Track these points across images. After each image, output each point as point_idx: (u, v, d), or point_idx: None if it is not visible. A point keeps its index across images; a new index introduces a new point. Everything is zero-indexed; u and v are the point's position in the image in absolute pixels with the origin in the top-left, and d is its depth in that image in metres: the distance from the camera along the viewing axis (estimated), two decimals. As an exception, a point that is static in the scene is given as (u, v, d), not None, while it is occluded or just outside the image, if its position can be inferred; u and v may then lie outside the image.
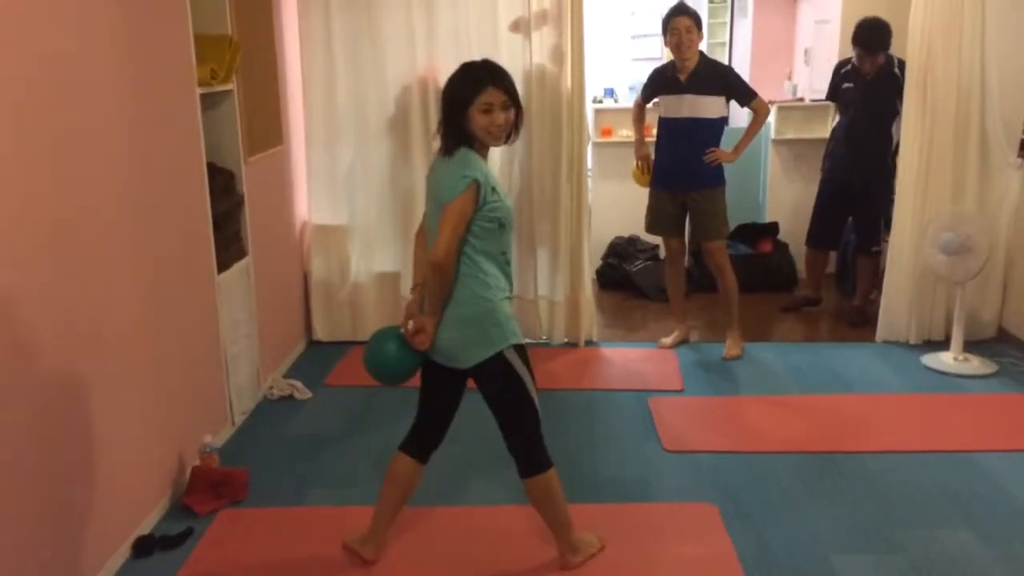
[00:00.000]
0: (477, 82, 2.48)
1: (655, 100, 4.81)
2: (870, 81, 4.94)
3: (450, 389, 2.71)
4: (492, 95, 2.47)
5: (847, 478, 3.39)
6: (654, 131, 4.84)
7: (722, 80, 4.59)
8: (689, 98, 4.53)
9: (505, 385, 2.59)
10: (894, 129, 4.91)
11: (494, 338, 2.56)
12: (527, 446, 2.64)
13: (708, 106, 4.55)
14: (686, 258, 4.97)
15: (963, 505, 3.18)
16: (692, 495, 3.29)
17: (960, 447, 3.62)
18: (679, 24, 4.46)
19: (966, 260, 4.39)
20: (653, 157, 4.78)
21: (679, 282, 4.94)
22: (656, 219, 4.80)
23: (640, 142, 4.85)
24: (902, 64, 4.76)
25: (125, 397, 2.93)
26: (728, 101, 4.66)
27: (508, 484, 3.33)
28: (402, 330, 2.64)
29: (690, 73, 4.53)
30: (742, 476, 3.41)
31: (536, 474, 2.65)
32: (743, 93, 4.59)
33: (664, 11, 4.61)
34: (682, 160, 4.62)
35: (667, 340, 4.90)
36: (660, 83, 4.70)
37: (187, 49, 3.39)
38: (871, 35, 4.85)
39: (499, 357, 2.56)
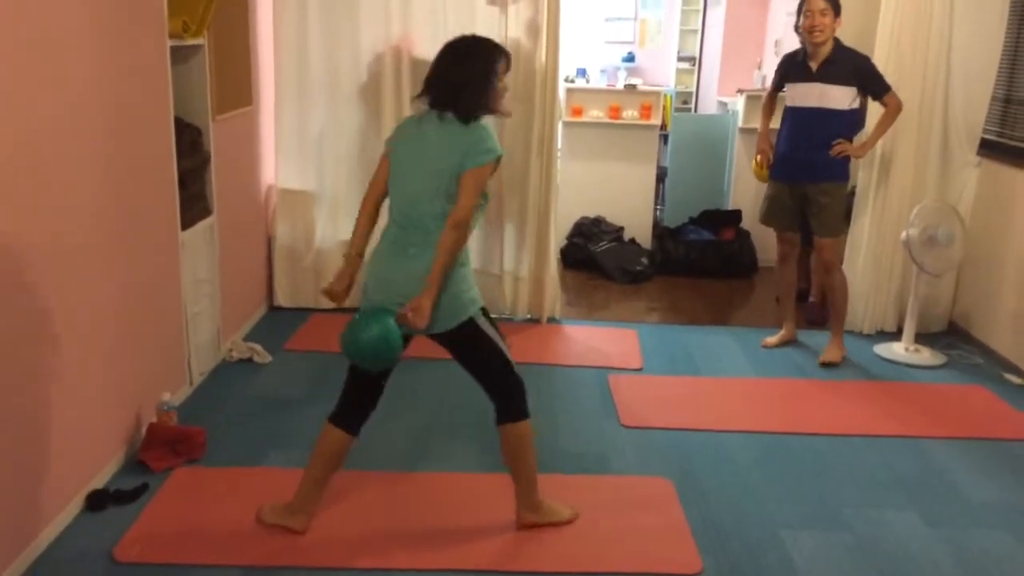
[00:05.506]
0: (507, 57, 2.67)
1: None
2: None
3: None
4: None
5: (799, 458, 3.47)
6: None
7: (858, 70, 4.26)
8: (819, 87, 4.23)
9: (476, 346, 2.67)
10: None
11: (466, 305, 2.63)
12: (504, 393, 2.71)
13: (838, 97, 4.24)
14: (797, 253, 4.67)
15: (909, 488, 3.27)
16: (648, 469, 3.34)
17: (908, 433, 3.72)
18: (813, 6, 4.14)
19: (949, 253, 4.50)
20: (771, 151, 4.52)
21: (791, 279, 4.72)
22: (771, 210, 4.56)
23: (764, 134, 4.58)
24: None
25: (82, 350, 2.88)
26: (865, 93, 4.37)
27: (467, 453, 3.37)
28: (380, 313, 2.52)
29: (823, 61, 4.22)
30: (697, 453, 3.47)
31: (509, 422, 2.72)
32: (878, 86, 4.31)
33: None
34: (804, 151, 4.34)
35: (771, 340, 4.72)
36: (789, 70, 4.40)
37: (159, -1, 3.33)
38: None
39: (470, 322, 2.63)
